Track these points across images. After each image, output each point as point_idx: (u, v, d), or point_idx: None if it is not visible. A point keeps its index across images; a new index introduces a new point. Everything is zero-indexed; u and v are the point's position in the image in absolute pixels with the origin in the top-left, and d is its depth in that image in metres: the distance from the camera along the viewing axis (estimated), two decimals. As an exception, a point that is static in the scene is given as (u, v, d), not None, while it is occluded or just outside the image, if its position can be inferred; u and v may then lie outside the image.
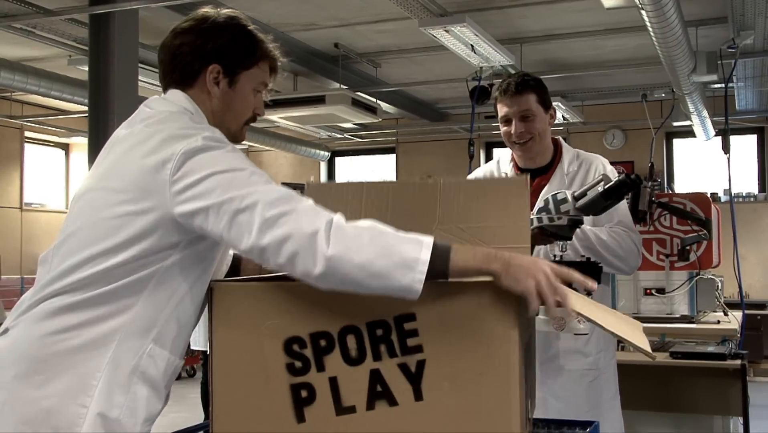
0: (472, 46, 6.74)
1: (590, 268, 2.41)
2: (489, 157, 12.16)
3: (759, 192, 10.86)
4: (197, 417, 5.88)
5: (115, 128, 1.97)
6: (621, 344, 3.98)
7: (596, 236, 2.78)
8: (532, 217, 2.52)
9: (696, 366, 3.70)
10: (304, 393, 1.76)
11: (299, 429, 1.76)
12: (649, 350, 1.82)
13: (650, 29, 5.88)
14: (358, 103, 8.57)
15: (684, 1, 5.84)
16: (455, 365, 1.69)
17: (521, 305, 1.69)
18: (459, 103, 10.79)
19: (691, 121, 9.17)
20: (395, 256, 1.64)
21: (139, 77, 6.24)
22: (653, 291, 4.40)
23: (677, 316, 4.40)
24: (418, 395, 1.71)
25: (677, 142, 11.35)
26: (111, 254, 1.77)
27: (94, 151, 5.88)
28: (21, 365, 1.76)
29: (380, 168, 13.09)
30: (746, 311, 4.80)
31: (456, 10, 6.68)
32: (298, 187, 1.85)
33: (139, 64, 6.26)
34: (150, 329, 1.81)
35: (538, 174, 2.97)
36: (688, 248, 4.25)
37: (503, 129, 2.94)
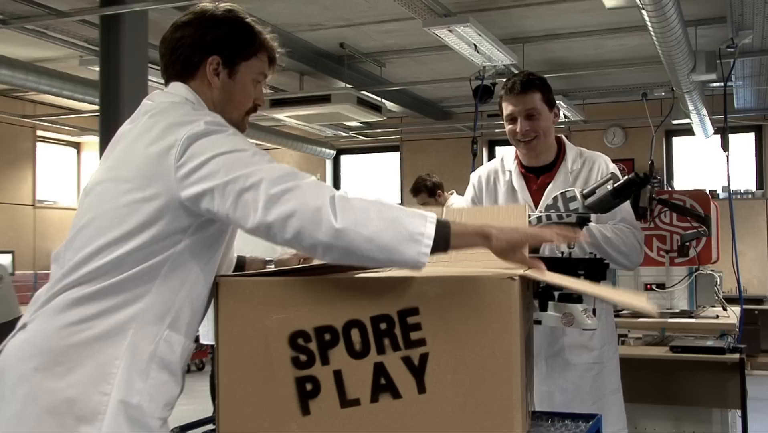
0: (475, 45, 6.73)
1: (597, 265, 2.40)
2: (492, 155, 12.14)
3: (756, 189, 10.83)
4: (206, 410, 5.88)
5: (124, 127, 1.97)
6: (622, 337, 3.98)
7: (601, 233, 2.77)
8: (540, 214, 2.51)
9: (695, 360, 3.68)
10: (309, 386, 1.75)
11: (304, 422, 1.76)
12: (645, 306, 1.83)
13: (650, 29, 5.86)
14: (363, 102, 8.57)
15: (684, 1, 5.82)
16: (458, 358, 1.69)
17: (522, 299, 1.68)
18: (462, 102, 10.78)
19: (691, 119, 9.15)
20: (402, 229, 1.66)
21: (149, 77, 6.24)
22: (653, 286, 4.39)
23: (677, 311, 4.39)
24: (421, 388, 1.70)
25: (676, 140, 11.31)
26: (121, 242, 1.78)
27: (105, 150, 5.89)
28: (41, 358, 1.77)
29: (385, 166, 13.07)
30: (744, 306, 4.79)
31: (459, 10, 6.66)
32: None
33: (149, 64, 6.26)
34: (165, 316, 1.81)
35: (543, 172, 2.96)
36: (687, 244, 4.23)
37: (508, 127, 2.93)
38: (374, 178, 13.10)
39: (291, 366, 1.76)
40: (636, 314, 4.44)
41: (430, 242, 1.67)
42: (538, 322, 2.27)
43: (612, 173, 2.59)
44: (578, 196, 2.52)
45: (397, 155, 12.83)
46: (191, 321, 1.88)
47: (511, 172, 3.00)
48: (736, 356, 3.66)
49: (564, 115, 9.41)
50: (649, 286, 4.44)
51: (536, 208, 2.87)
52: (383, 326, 1.72)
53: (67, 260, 1.84)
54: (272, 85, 9.34)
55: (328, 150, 12.66)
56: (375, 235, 1.65)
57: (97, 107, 7.44)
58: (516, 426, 1.67)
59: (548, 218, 2.50)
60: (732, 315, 4.43)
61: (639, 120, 9.49)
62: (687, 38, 6.40)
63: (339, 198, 1.68)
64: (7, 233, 10.68)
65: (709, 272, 4.52)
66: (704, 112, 8.81)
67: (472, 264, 2.02)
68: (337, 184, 13.21)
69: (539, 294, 2.26)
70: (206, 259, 1.86)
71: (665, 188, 8.73)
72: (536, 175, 2.96)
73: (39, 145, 11.53)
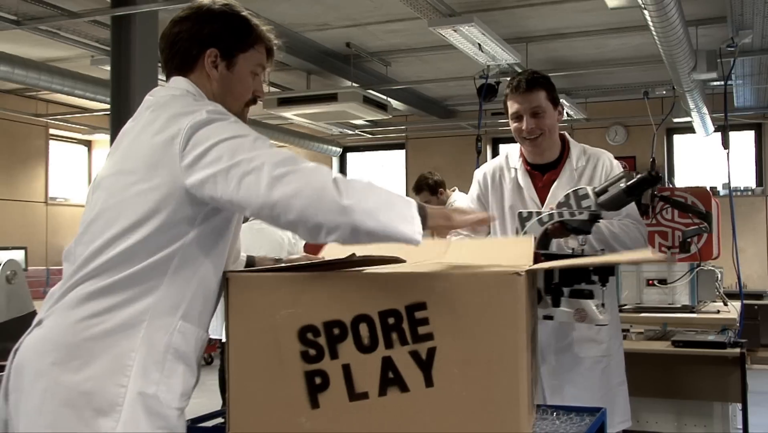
0: (479, 45, 6.72)
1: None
2: (496, 153, 12.13)
3: (756, 186, 10.80)
4: (215, 404, 5.88)
5: (135, 125, 1.97)
6: (624, 332, 3.97)
7: (608, 228, 2.76)
8: (552, 211, 2.51)
9: (697, 354, 3.68)
10: (318, 380, 1.75)
11: (313, 415, 1.75)
12: (653, 256, 1.85)
13: (652, 29, 5.85)
14: (369, 101, 8.56)
15: (685, 1, 5.80)
16: (465, 353, 1.68)
17: (528, 294, 1.68)
18: (467, 100, 10.76)
19: (691, 117, 9.12)
20: (397, 208, 1.72)
21: (159, 76, 6.24)
22: (655, 282, 4.39)
23: (678, 306, 4.40)
24: (429, 382, 1.70)
25: (677, 138, 11.28)
26: (130, 232, 1.78)
27: (115, 148, 5.89)
28: (58, 352, 1.77)
29: (390, 163, 13.07)
30: (745, 301, 4.78)
31: (464, 10, 6.65)
32: None
33: (159, 64, 6.26)
34: (177, 307, 1.81)
35: (548, 169, 2.95)
36: (689, 240, 4.23)
37: (514, 125, 2.92)
38: (380, 176, 13.10)
39: (300, 360, 1.76)
40: (638, 309, 4.44)
41: (419, 222, 1.73)
42: (550, 318, 2.26)
43: (625, 171, 2.59)
44: (590, 193, 2.51)
45: (402, 153, 12.83)
46: (203, 312, 1.88)
47: (516, 169, 2.98)
48: (737, 350, 3.65)
49: (567, 113, 9.39)
50: (651, 281, 4.44)
51: (542, 205, 2.87)
52: (391, 320, 1.71)
53: (78, 255, 1.84)
54: (279, 83, 9.34)
55: (334, 148, 12.66)
56: (377, 212, 1.69)
57: (107, 106, 7.43)
58: (522, 420, 1.66)
59: (560, 215, 2.49)
60: (733, 310, 4.43)
61: (640, 118, 9.47)
62: (688, 38, 6.38)
63: (340, 178, 1.71)
64: (20, 229, 10.71)
65: (710, 267, 4.52)
66: (705, 110, 8.79)
67: (477, 260, 2.02)
68: (343, 181, 13.18)
69: (552, 290, 2.26)
70: (215, 250, 1.86)
71: (666, 186, 8.70)
72: (541, 173, 2.95)
73: (51, 143, 11.56)
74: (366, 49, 8.45)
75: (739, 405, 3.84)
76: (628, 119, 10.75)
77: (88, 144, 12.47)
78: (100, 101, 8.56)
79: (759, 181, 10.85)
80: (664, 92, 9.17)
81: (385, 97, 9.09)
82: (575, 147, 2.99)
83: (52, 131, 11.49)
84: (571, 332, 2.85)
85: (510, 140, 12.04)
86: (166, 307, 1.80)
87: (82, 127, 11.53)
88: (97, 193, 1.89)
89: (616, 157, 3.06)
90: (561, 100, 3.04)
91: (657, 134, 7.10)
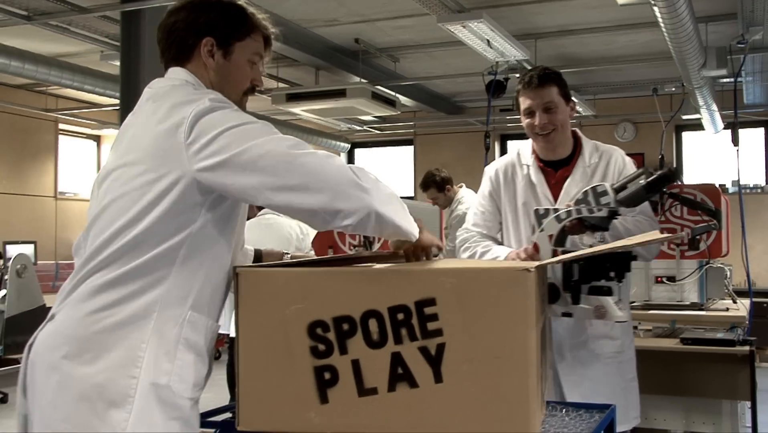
0: (488, 41, 6.71)
1: (625, 257, 2.38)
2: (504, 149, 12.12)
3: (766, 183, 10.76)
4: (223, 398, 5.90)
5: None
6: (633, 329, 3.96)
7: (623, 225, 2.75)
8: (570, 208, 2.49)
9: (705, 352, 3.66)
10: (327, 375, 1.75)
11: (323, 410, 1.75)
12: (661, 235, 1.87)
13: (662, 25, 5.82)
14: (377, 97, 8.55)
15: (695, -3, 5.78)
16: (474, 349, 1.68)
17: (538, 290, 1.67)
18: (475, 96, 10.75)
19: (700, 114, 9.09)
20: (399, 204, 1.80)
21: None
22: (664, 279, 4.37)
23: (687, 303, 4.38)
24: (438, 378, 1.70)
25: (686, 135, 11.25)
26: (136, 221, 1.79)
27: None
28: (69, 346, 1.78)
29: (398, 159, 13.07)
30: (754, 299, 4.76)
31: (473, 6, 6.63)
32: None
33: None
34: (187, 297, 1.82)
35: (560, 166, 2.94)
36: (698, 237, 4.20)
37: (526, 121, 2.90)
38: (388, 172, 13.10)
39: (310, 355, 1.76)
40: (647, 306, 4.42)
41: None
42: (569, 315, 2.26)
43: (644, 168, 2.58)
44: (609, 190, 2.50)
45: (410, 149, 12.83)
46: (212, 302, 1.88)
47: (528, 166, 2.97)
48: (746, 348, 3.63)
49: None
50: (659, 278, 4.42)
51: (555, 202, 2.85)
52: (400, 316, 1.71)
53: (87, 246, 1.85)
54: (288, 79, 9.34)
55: (342, 144, 12.67)
56: (388, 202, 1.74)
57: (116, 101, 7.46)
58: (531, 416, 1.66)
59: (578, 212, 2.48)
60: (742, 308, 4.41)
61: (649, 115, 9.44)
62: (698, 34, 6.36)
63: (354, 166, 1.75)
64: (30, 223, 10.75)
65: (719, 265, 4.50)
66: (714, 107, 8.76)
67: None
68: (351, 177, 13.19)
69: (571, 287, 2.25)
70: (222, 239, 1.87)
71: (676, 182, 8.66)
72: (554, 169, 2.94)
73: (60, 138, 11.59)
74: (375, 45, 8.45)
75: (748, 403, 3.82)
76: (637, 116, 10.72)
77: (97, 139, 12.50)
78: (110, 96, 8.58)
79: (768, 178, 10.82)
80: (674, 89, 9.14)
81: (393, 93, 9.08)
82: (587, 144, 2.98)
83: (61, 126, 11.52)
84: (587, 329, 2.84)
85: (519, 137, 12.07)
86: (176, 297, 1.81)
87: (91, 122, 11.56)
88: (104, 186, 1.89)
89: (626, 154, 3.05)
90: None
91: (666, 131, 7.08)
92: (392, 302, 1.72)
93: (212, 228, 1.84)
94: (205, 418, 2.24)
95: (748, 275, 4.89)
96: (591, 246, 2.56)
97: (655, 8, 5.45)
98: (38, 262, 9.14)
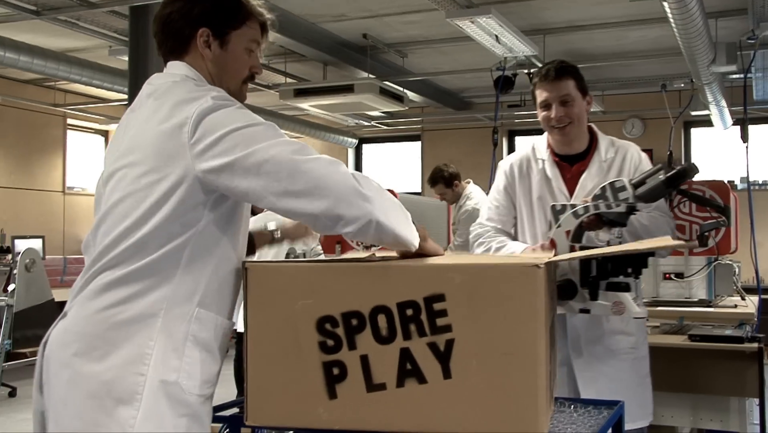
0: (496, 36, 6.69)
1: (642, 253, 2.37)
2: (512, 145, 12.10)
3: (774, 180, 10.72)
4: (230, 393, 5.92)
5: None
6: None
7: (638, 221, 2.72)
8: (588, 204, 2.48)
9: (714, 349, 3.65)
10: (336, 370, 1.75)
11: (331, 405, 1.76)
12: (673, 242, 1.87)
13: (672, 20, 5.80)
14: (385, 92, 8.55)
15: (705, -7, 5.76)
16: (483, 345, 1.68)
17: (547, 286, 1.67)
18: (483, 92, 10.74)
19: (709, 110, 9.06)
20: (401, 212, 1.79)
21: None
22: (672, 275, 4.36)
23: (695, 300, 4.37)
24: (446, 374, 1.70)
25: (695, 131, 11.21)
26: (142, 222, 1.79)
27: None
28: (79, 343, 1.79)
29: (406, 155, 13.06)
30: (763, 296, 4.75)
31: (482, 1, 6.63)
32: None
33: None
34: (194, 295, 1.82)
35: (576, 160, 2.92)
36: (706, 234, 4.19)
37: (542, 114, 2.89)
38: (395, 167, 13.09)
39: (318, 351, 1.76)
40: (655, 302, 4.41)
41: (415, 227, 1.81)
42: (587, 311, 2.25)
43: (663, 163, 2.57)
44: (628, 186, 2.48)
45: (418, 144, 12.82)
46: (221, 298, 1.88)
47: (543, 160, 2.95)
48: (755, 345, 3.62)
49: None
50: (668, 275, 4.41)
51: (571, 197, 2.84)
52: (409, 312, 1.71)
53: (96, 246, 1.85)
54: (296, 74, 9.34)
55: (350, 139, 12.66)
56: (389, 211, 1.73)
57: (124, 96, 7.46)
58: (539, 412, 1.66)
59: (596, 207, 2.47)
60: (750, 305, 4.40)
61: (658, 111, 9.41)
62: (708, 30, 6.33)
63: (357, 173, 1.74)
64: (38, 218, 10.78)
65: (727, 261, 4.49)
66: (723, 103, 8.73)
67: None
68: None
69: (589, 283, 2.24)
70: (228, 236, 1.87)
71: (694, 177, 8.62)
72: (569, 164, 2.92)
73: (69, 133, 11.62)
74: (383, 40, 8.44)
75: (756, 400, 3.81)
76: (646, 112, 10.69)
77: (105, 134, 12.52)
78: (118, 91, 8.60)
79: (777, 175, 10.77)
80: (682, 85, 9.10)
81: (401, 89, 9.08)
82: (603, 139, 2.96)
83: (69, 121, 11.55)
84: (603, 325, 2.83)
85: (527, 133, 12.06)
86: (183, 295, 1.81)
87: (99, 117, 11.59)
88: (109, 186, 1.89)
89: (635, 151, 3.04)
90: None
91: (674, 127, 7.04)
92: (401, 298, 1.72)
93: (217, 226, 1.84)
94: (213, 413, 2.24)
95: (756, 272, 4.87)
96: (608, 242, 2.55)
97: (665, 3, 5.43)
98: (46, 256, 9.17)
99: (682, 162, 2.60)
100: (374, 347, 1.73)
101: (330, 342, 1.75)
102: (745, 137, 5.74)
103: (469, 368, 1.69)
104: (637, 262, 2.24)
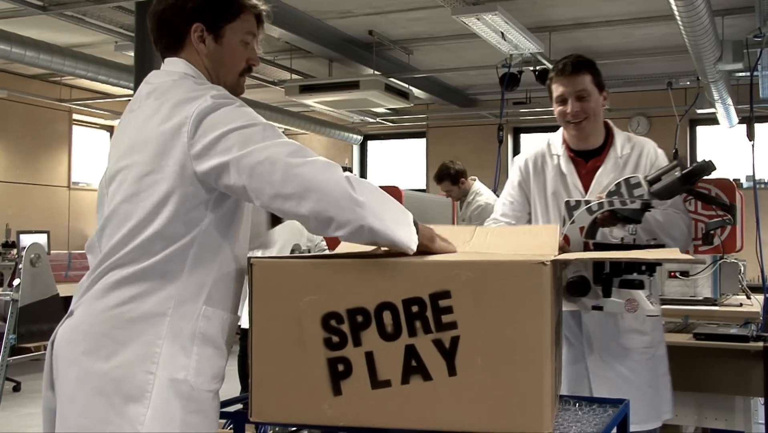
0: (502, 33, 6.68)
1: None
2: (517, 143, 12.08)
3: (780, 179, 10.69)
4: (234, 389, 5.93)
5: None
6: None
7: (654, 218, 2.70)
8: (602, 200, 2.47)
9: (718, 347, 3.64)
10: (340, 367, 1.75)
11: (336, 402, 1.75)
12: (681, 255, 1.87)
13: (678, 18, 5.79)
14: (390, 89, 8.55)
15: (711, -10, 5.74)
16: (488, 342, 1.68)
17: (553, 284, 1.67)
18: (488, 89, 10.71)
19: (715, 108, 9.03)
20: (398, 214, 1.76)
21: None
22: (677, 274, 4.35)
23: (700, 298, 4.36)
24: (451, 371, 1.69)
25: (701, 129, 11.18)
26: (147, 223, 1.79)
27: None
28: (87, 341, 1.79)
29: (411, 152, 13.05)
30: (768, 295, 4.73)
31: (487, -2, 6.62)
32: (346, 170, 1.85)
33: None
34: (200, 293, 1.82)
35: (591, 156, 2.90)
36: (712, 232, 4.17)
37: (558, 109, 2.86)
38: (400, 164, 13.08)
39: (323, 347, 1.76)
40: (660, 301, 4.41)
41: (416, 230, 1.79)
42: (600, 308, 2.23)
43: (678, 160, 2.55)
44: (643, 182, 2.46)
45: (423, 141, 12.81)
46: (227, 294, 1.89)
47: (559, 156, 2.92)
48: (760, 344, 3.61)
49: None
50: (673, 273, 4.40)
51: (586, 193, 2.82)
52: (415, 308, 1.71)
53: (102, 247, 1.86)
54: (302, 71, 9.34)
55: (355, 135, 12.66)
56: (384, 213, 1.72)
57: (130, 92, 7.46)
58: (545, 410, 1.65)
59: (611, 204, 2.45)
60: (755, 303, 4.38)
61: (663, 109, 9.39)
62: (714, 28, 6.31)
63: (352, 176, 1.73)
64: (44, 213, 10.79)
65: (733, 260, 4.48)
66: (729, 101, 8.70)
67: (502, 250, 2.01)
68: (363, 169, 13.21)
69: (602, 280, 2.23)
70: (232, 233, 1.88)
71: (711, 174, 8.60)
72: (585, 159, 2.90)
73: (74, 128, 11.62)
74: (388, 37, 8.43)
75: (761, 399, 3.80)
76: (651, 110, 10.67)
77: (110, 129, 12.52)
78: (123, 87, 8.61)
79: (782, 173, 10.74)
80: (688, 83, 9.08)
81: (406, 86, 9.07)
82: (619, 134, 2.94)
83: (75, 116, 11.55)
84: (618, 323, 2.81)
85: (532, 130, 12.04)
86: (190, 293, 1.81)
87: (104, 112, 11.59)
88: (112, 187, 1.89)
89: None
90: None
91: (680, 125, 7.03)
92: (407, 294, 1.72)
93: (220, 223, 1.84)
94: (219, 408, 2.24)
95: (762, 271, 4.86)
96: (621, 239, 2.52)
97: (672, 1, 5.41)
98: (51, 251, 9.17)
99: (687, 160, 2.57)
100: (379, 344, 1.73)
101: (335, 338, 1.75)
102: (751, 135, 5.72)
103: (474, 366, 1.68)
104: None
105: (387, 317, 1.73)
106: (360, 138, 12.84)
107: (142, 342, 1.77)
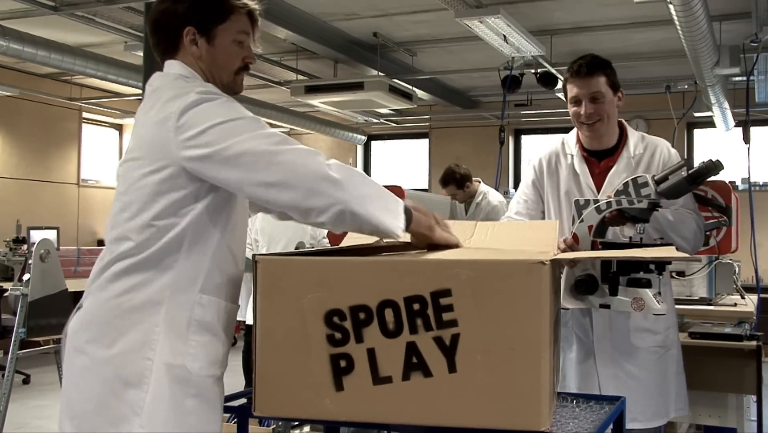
0: (504, 36, 6.68)
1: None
2: (518, 144, 12.07)
3: (775, 181, 10.68)
4: (238, 384, 5.93)
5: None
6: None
7: (664, 217, 2.68)
8: (610, 199, 2.45)
9: (713, 346, 3.64)
10: (343, 363, 1.75)
11: (338, 397, 1.75)
12: (676, 253, 1.85)
13: (677, 23, 5.78)
14: (394, 90, 8.54)
15: (710, -4, 5.73)
16: (488, 340, 1.67)
17: (552, 283, 1.67)
18: (490, 91, 10.71)
19: (712, 112, 9.03)
20: (383, 201, 1.77)
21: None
22: (674, 274, 4.34)
23: (696, 298, 4.35)
24: (452, 368, 1.69)
25: (698, 132, 11.18)
26: (141, 214, 1.84)
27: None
28: (91, 330, 1.85)
29: (414, 152, 13.04)
30: (762, 295, 4.74)
31: (490, 2, 6.61)
32: None
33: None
34: (195, 281, 1.86)
35: (605, 156, 2.88)
36: (708, 233, 4.18)
37: (572, 109, 2.84)
38: (403, 164, 13.08)
39: (326, 343, 1.76)
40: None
41: (403, 218, 1.80)
42: (607, 306, 2.22)
43: (685, 160, 2.53)
44: (650, 182, 2.44)
45: (425, 142, 12.80)
46: (223, 283, 1.92)
47: (572, 155, 2.91)
48: (753, 343, 3.62)
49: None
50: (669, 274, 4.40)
51: (598, 192, 2.80)
52: (416, 306, 1.71)
53: (107, 240, 1.92)
54: (307, 71, 9.34)
55: (359, 136, 12.66)
56: (365, 199, 1.73)
57: (139, 91, 7.46)
58: (543, 407, 1.65)
59: (618, 203, 2.43)
60: (750, 303, 4.39)
61: (661, 112, 9.38)
62: (712, 33, 6.30)
63: (335, 163, 1.75)
64: (53, 210, 10.81)
65: (728, 261, 4.48)
66: (726, 105, 8.70)
67: (503, 247, 2.01)
68: (367, 169, 13.21)
69: (609, 278, 2.22)
70: (225, 221, 1.90)
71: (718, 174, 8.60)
72: (598, 159, 2.88)
73: (84, 126, 11.63)
74: (393, 39, 8.43)
75: (754, 397, 3.81)
76: (649, 113, 10.65)
77: (119, 128, 12.55)
78: (132, 86, 8.62)
79: (777, 176, 10.73)
80: (686, 87, 9.07)
81: (410, 87, 9.06)
82: (633, 134, 2.91)
83: (85, 115, 11.57)
84: (627, 322, 2.79)
85: (533, 132, 12.04)
86: (185, 282, 1.85)
87: (113, 111, 11.61)
88: (118, 181, 1.94)
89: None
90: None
91: (678, 128, 7.03)
92: (408, 292, 1.71)
93: (212, 213, 1.87)
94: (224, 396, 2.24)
95: (756, 271, 4.87)
96: (630, 238, 2.51)
97: (671, 6, 5.41)
98: (61, 247, 9.18)
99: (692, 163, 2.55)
100: (381, 341, 1.73)
101: (338, 335, 1.75)
102: (747, 139, 5.73)
103: (474, 363, 1.68)
104: (661, 261, 2.20)
105: (389, 314, 1.72)
106: (364, 138, 12.83)
107: (140, 330, 1.81)
